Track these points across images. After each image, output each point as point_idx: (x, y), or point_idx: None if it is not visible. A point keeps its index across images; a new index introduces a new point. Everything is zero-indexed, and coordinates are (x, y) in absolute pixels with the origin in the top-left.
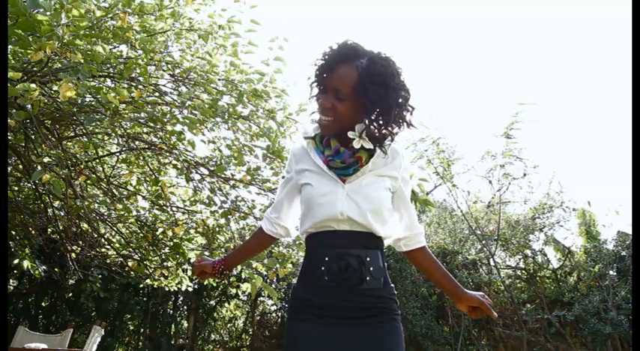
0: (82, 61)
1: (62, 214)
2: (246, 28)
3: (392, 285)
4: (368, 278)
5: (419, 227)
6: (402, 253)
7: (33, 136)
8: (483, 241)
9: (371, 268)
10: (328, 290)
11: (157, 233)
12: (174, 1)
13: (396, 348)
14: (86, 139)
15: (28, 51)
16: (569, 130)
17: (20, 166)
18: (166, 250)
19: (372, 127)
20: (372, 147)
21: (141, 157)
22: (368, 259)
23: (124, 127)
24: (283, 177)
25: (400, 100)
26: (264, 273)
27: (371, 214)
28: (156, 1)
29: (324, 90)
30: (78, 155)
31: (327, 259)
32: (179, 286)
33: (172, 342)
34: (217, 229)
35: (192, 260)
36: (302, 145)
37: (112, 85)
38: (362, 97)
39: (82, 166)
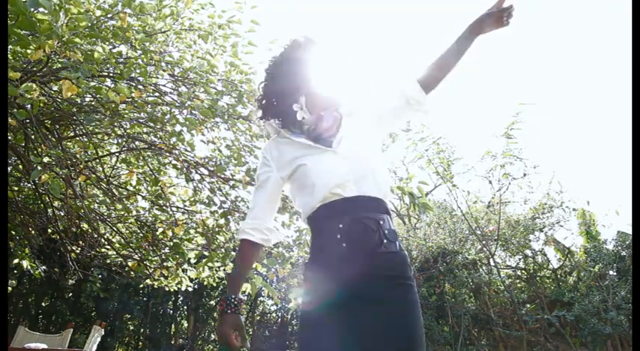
0: (81, 60)
1: (62, 214)
2: (246, 28)
3: (405, 252)
4: (385, 241)
5: (411, 82)
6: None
7: (33, 136)
8: (483, 241)
9: (385, 231)
10: (346, 263)
11: (157, 233)
12: (174, 1)
13: (417, 319)
14: (86, 139)
15: (28, 50)
16: (569, 130)
17: (20, 166)
18: (166, 250)
19: None
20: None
21: (141, 157)
22: (381, 222)
23: (123, 127)
24: (254, 182)
25: None
26: (264, 273)
27: (374, 166)
28: (156, 2)
29: None
30: (78, 155)
31: (341, 226)
32: (179, 286)
33: (172, 342)
34: (217, 229)
35: (192, 260)
36: (273, 143)
37: (112, 85)
38: None
39: (82, 166)
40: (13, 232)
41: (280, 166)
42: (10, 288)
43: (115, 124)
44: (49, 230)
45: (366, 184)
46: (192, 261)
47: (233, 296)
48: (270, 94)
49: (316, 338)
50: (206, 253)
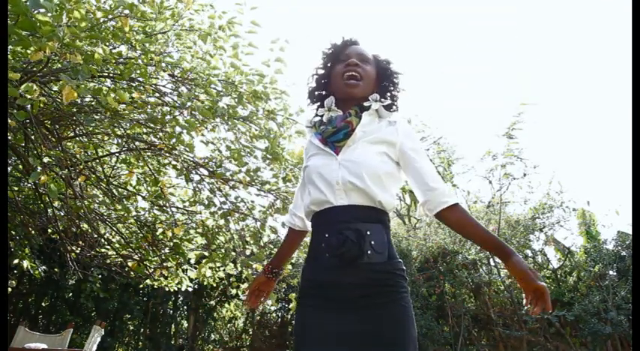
0: (81, 62)
1: (62, 214)
2: (247, 29)
3: (399, 260)
4: (369, 252)
5: (436, 188)
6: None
7: (33, 137)
8: None
9: (372, 242)
10: (330, 268)
11: (157, 233)
12: (174, 2)
13: (404, 332)
14: (86, 140)
15: (28, 51)
16: (569, 130)
17: (20, 166)
18: (166, 250)
19: (386, 95)
20: (378, 108)
21: (140, 158)
22: (368, 232)
23: (123, 128)
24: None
25: (398, 83)
26: None
27: (367, 175)
28: (156, 3)
29: (345, 59)
30: (77, 155)
31: (327, 235)
32: (179, 286)
33: (172, 342)
34: (217, 229)
35: (191, 260)
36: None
37: (112, 86)
38: (381, 67)
39: (82, 167)
40: (13, 232)
41: (305, 163)
42: (10, 288)
43: (115, 124)
44: (49, 230)
45: (359, 194)
46: (192, 261)
47: (266, 262)
48: (308, 93)
49: (303, 336)
50: (206, 254)
